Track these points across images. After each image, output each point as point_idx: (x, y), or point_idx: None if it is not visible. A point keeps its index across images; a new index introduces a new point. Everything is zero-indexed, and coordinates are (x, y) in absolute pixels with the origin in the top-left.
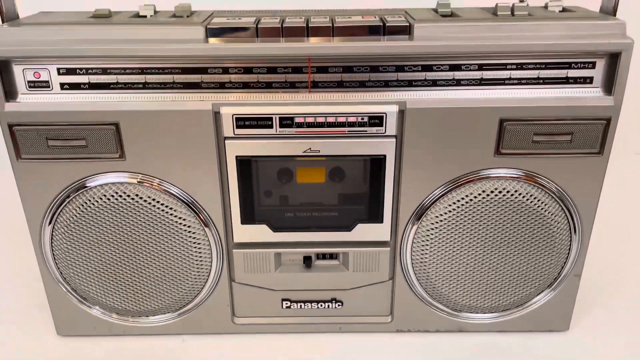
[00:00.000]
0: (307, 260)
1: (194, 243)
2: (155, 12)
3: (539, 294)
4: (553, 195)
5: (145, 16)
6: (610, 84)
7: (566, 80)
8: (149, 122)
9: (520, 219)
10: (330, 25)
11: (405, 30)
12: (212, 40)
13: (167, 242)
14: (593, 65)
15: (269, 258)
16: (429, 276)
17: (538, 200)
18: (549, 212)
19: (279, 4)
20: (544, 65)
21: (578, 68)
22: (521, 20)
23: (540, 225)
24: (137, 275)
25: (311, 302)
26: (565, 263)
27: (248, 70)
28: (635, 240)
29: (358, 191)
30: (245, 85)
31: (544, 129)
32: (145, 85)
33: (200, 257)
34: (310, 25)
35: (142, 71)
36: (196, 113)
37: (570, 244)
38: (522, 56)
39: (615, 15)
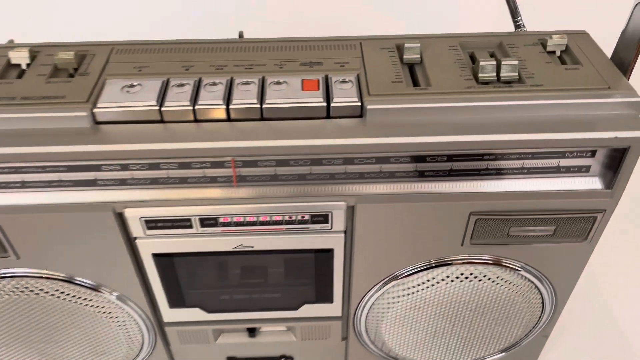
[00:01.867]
0: (252, 332)
1: (118, 325)
2: (32, 56)
3: (502, 352)
4: (528, 278)
5: (19, 65)
6: (610, 177)
7: (556, 170)
8: (38, 222)
9: (487, 300)
10: (258, 106)
11: (356, 113)
12: (102, 128)
13: (88, 327)
14: (592, 153)
15: (206, 332)
16: (385, 341)
17: (509, 283)
18: (520, 293)
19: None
20: (530, 155)
21: (573, 157)
22: (505, 94)
23: (510, 304)
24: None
25: (259, 359)
26: (534, 328)
27: (154, 166)
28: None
29: (304, 275)
30: (154, 182)
31: (524, 223)
32: (24, 185)
33: (128, 333)
34: (231, 106)
35: (17, 170)
36: (94, 215)
37: (541, 314)
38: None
39: (629, 74)
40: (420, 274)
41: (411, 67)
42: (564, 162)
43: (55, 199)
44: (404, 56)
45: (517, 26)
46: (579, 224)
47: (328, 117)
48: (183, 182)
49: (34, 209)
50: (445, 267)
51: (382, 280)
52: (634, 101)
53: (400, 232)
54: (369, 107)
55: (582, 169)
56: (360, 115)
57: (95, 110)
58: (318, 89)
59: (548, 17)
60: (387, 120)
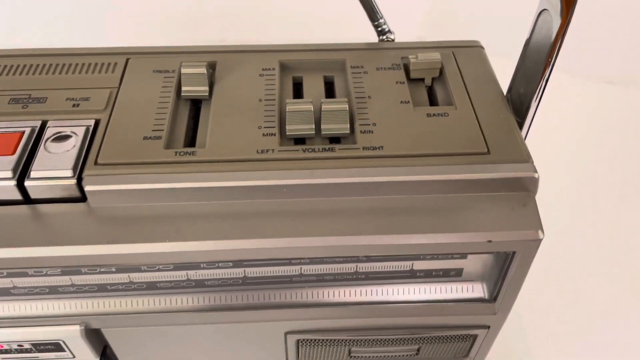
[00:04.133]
0: None
1: None
2: None
3: None
4: None
5: None
6: (494, 284)
7: (410, 274)
8: None
9: None
10: None
11: (74, 195)
12: None
13: None
14: (463, 255)
15: None
16: None
17: None
18: None
19: None
20: (363, 257)
21: (432, 259)
22: (321, 164)
23: None
24: None
25: None
26: None
27: None
28: None
29: None
30: None
31: (368, 344)
32: None
33: None
34: None
35: None
36: None
37: None
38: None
39: (529, 116)
40: None
41: (195, 105)
42: (420, 265)
43: None
44: (183, 87)
45: (380, 32)
46: (453, 343)
47: (28, 201)
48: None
49: None
50: None
51: None
52: (525, 177)
53: None
54: (87, 187)
55: (451, 272)
56: (82, 199)
57: None
58: (13, 152)
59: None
60: (123, 209)
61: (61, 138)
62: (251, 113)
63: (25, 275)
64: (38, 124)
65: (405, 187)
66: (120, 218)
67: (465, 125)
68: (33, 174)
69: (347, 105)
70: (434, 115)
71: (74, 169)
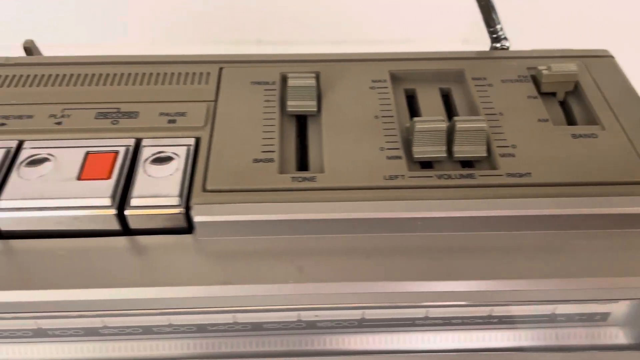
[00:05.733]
0: None
1: None
2: None
3: None
4: None
5: None
6: None
7: (550, 318)
8: None
9: None
10: None
11: (180, 225)
12: None
13: None
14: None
15: None
16: None
17: None
18: None
19: None
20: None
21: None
22: (459, 193)
23: None
24: None
25: None
26: None
27: None
28: None
29: None
30: None
31: None
32: None
33: None
34: None
35: None
36: None
37: None
38: None
39: None
40: None
41: (301, 121)
42: (564, 309)
43: None
44: (289, 102)
45: (496, 40)
46: None
47: (126, 232)
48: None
49: None
50: None
51: None
52: None
53: None
54: (197, 218)
55: (596, 317)
56: (189, 230)
57: None
58: (109, 176)
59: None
60: (234, 243)
61: (161, 160)
62: (368, 132)
63: (119, 315)
64: (132, 142)
65: (560, 222)
66: (233, 253)
67: (619, 149)
68: (133, 202)
69: (485, 125)
70: (580, 136)
71: (181, 195)
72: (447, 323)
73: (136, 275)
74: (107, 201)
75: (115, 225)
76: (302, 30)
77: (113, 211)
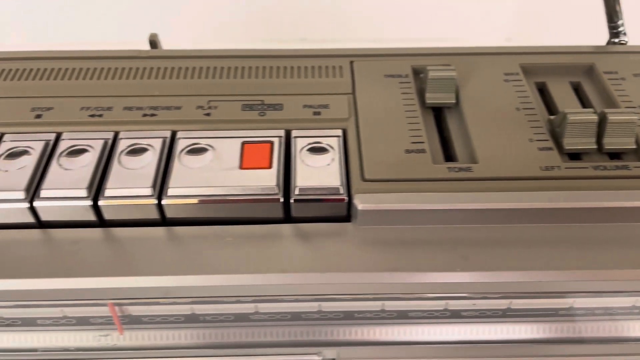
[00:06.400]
0: None
1: None
2: None
3: None
4: None
5: None
6: None
7: None
8: None
9: None
10: (155, 202)
11: (340, 213)
12: None
13: None
14: None
15: None
16: None
17: None
18: None
19: None
20: None
21: None
22: (616, 183)
23: None
24: None
25: None
26: None
27: None
28: None
29: None
30: None
31: None
32: None
33: None
34: (102, 202)
35: None
36: None
37: None
38: None
39: None
40: None
41: (438, 113)
42: None
43: None
44: (428, 94)
45: (615, 35)
46: None
47: (287, 219)
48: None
49: None
50: None
51: None
52: None
53: None
54: (361, 206)
55: None
56: (347, 218)
57: None
58: (270, 165)
59: None
60: (392, 231)
61: (316, 150)
62: (514, 124)
63: (271, 301)
64: (282, 133)
65: None
66: (396, 241)
67: None
68: (297, 191)
69: (636, 117)
70: None
71: (342, 185)
72: (590, 313)
73: (306, 261)
74: (273, 189)
75: (279, 213)
76: (343, 29)
77: (280, 199)
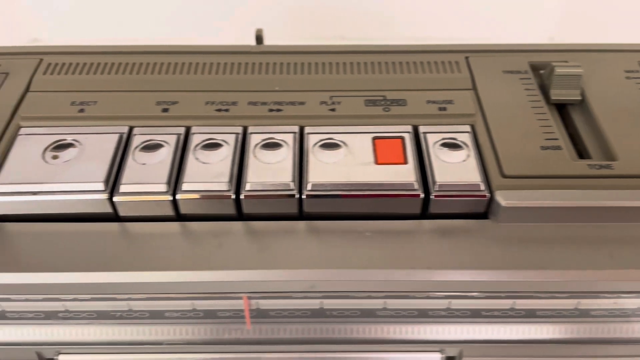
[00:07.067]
0: None
1: None
2: None
3: None
4: None
5: None
6: None
7: None
8: None
9: None
10: (296, 194)
11: (478, 210)
12: (7, 230)
13: None
14: None
15: None
16: None
17: None
18: None
19: None
20: None
21: None
22: None
23: None
24: None
25: None
26: None
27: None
28: None
29: None
30: (103, 315)
31: None
32: None
33: None
34: (243, 194)
35: None
36: None
37: None
38: None
39: None
40: None
41: (561, 110)
42: None
43: None
44: (553, 91)
45: None
46: None
47: (423, 214)
48: (156, 316)
49: None
50: None
51: None
52: None
53: None
54: (504, 202)
55: None
56: (485, 215)
57: None
58: (405, 161)
59: None
60: (530, 229)
61: (450, 146)
62: None
63: (401, 297)
64: (409, 128)
65: None
66: (538, 239)
67: None
68: (437, 188)
69: None
70: None
71: (483, 181)
72: None
73: (448, 258)
74: (413, 185)
75: (417, 209)
76: (384, 28)
77: (420, 195)
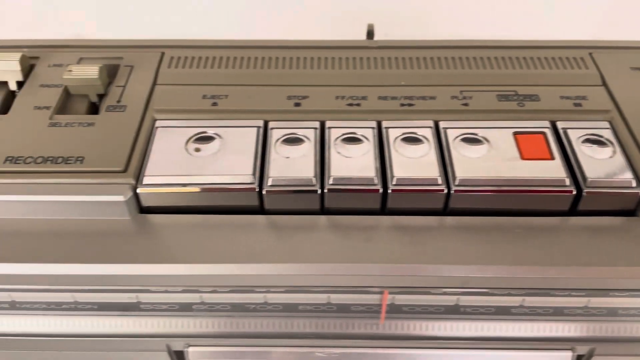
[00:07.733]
0: None
1: None
2: (26, 66)
3: None
4: None
5: (5, 84)
6: None
7: None
8: None
9: None
10: (444, 189)
11: (626, 207)
12: (152, 222)
13: None
14: None
15: None
16: None
17: None
18: None
19: None
20: None
21: None
22: None
23: None
24: None
25: None
26: None
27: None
28: None
29: None
30: (237, 307)
31: None
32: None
33: None
34: (391, 187)
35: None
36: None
37: None
38: None
39: None
40: None
41: None
42: None
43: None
44: None
45: None
46: None
47: (571, 211)
48: (290, 309)
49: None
50: None
51: None
52: None
53: None
54: None
55: None
56: (632, 212)
57: (140, 190)
58: (551, 157)
59: None
60: None
61: (594, 142)
62: None
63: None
64: (547, 124)
65: None
66: None
67: None
68: (589, 184)
69: None
70: None
71: (634, 178)
72: None
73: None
74: (564, 181)
75: (565, 206)
76: (423, 28)
77: (573, 191)
